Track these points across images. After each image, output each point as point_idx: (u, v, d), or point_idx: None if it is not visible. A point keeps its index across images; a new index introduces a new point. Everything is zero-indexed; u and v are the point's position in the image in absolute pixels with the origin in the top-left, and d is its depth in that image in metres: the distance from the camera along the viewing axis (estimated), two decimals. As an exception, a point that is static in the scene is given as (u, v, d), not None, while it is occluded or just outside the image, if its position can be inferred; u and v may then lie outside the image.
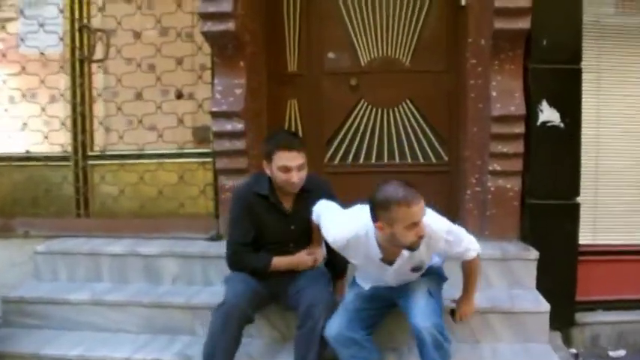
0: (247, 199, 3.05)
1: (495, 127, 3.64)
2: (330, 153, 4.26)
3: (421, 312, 2.73)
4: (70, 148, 4.34)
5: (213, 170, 4.06)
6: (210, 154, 4.04)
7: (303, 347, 2.87)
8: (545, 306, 3.30)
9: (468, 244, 2.80)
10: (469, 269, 2.92)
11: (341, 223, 2.76)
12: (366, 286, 3.00)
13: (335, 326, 2.82)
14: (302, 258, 3.08)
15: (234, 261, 3.07)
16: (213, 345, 2.85)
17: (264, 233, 3.07)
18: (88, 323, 3.59)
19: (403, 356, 3.20)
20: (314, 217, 2.98)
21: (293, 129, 4.21)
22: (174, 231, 4.09)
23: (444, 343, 2.70)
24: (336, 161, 4.25)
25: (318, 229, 2.96)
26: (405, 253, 2.67)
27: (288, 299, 3.07)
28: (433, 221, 2.63)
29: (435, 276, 2.98)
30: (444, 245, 2.71)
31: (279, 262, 3.04)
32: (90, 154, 4.33)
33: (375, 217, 2.56)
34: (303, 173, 2.96)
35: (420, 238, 2.53)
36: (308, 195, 3.04)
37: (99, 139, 4.37)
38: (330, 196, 3.06)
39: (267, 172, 2.99)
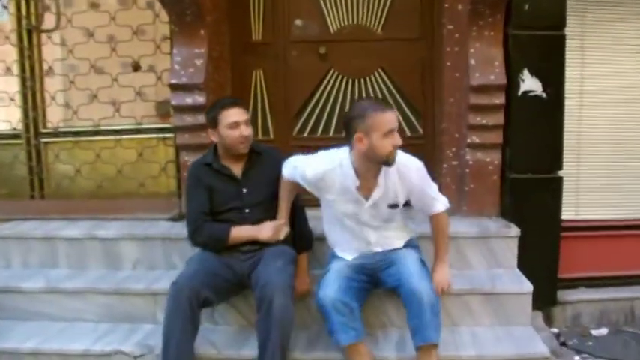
0: (196, 171, 3.04)
1: (474, 98, 3.47)
2: (298, 126, 4.07)
3: (418, 275, 2.69)
4: (20, 126, 4.11)
5: (174, 146, 3.85)
6: (172, 129, 3.82)
7: (263, 332, 2.71)
8: (528, 286, 3.16)
9: (437, 192, 2.87)
10: (438, 227, 2.92)
11: (316, 157, 2.82)
12: (349, 256, 2.91)
13: (332, 290, 2.68)
14: (262, 227, 2.95)
15: (195, 233, 2.98)
16: (169, 327, 2.73)
17: (216, 201, 2.99)
18: (42, 313, 3.37)
19: (379, 343, 3.03)
20: (285, 172, 2.91)
21: (259, 101, 4.03)
22: (135, 212, 3.88)
23: (439, 312, 2.67)
24: (305, 134, 4.07)
25: (286, 197, 2.97)
26: (381, 182, 2.70)
27: (251, 282, 2.91)
28: (404, 155, 2.74)
29: (418, 250, 2.95)
30: (415, 178, 2.74)
31: (239, 231, 2.95)
32: (43, 131, 4.12)
33: (352, 132, 2.61)
34: (251, 130, 2.99)
35: (396, 147, 2.60)
36: (259, 158, 3.04)
37: (52, 116, 4.14)
38: (282, 164, 2.98)
39: (215, 139, 2.98)
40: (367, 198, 2.75)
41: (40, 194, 4.13)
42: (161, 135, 3.98)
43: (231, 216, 2.98)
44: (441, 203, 2.87)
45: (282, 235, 2.96)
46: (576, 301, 3.76)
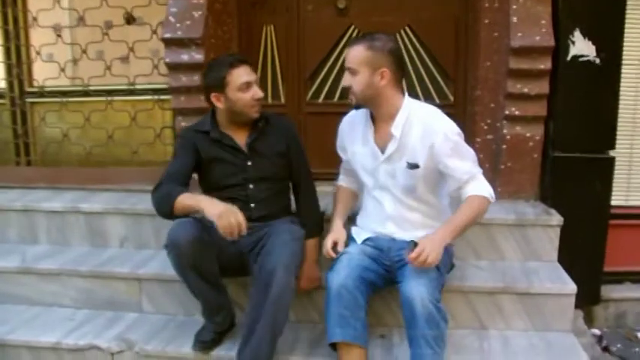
0: (190, 137, 2.63)
1: (514, 62, 3.01)
2: (313, 90, 3.65)
3: (418, 277, 2.22)
4: (3, 84, 3.77)
5: (172, 110, 3.42)
6: (169, 90, 3.37)
7: (254, 310, 2.36)
8: (571, 287, 2.70)
9: (474, 170, 2.39)
10: (467, 204, 2.36)
11: None
12: (363, 235, 2.57)
13: (341, 276, 2.32)
14: (223, 211, 2.26)
15: (154, 190, 2.48)
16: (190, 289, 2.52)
17: (215, 174, 2.62)
18: (16, 295, 3.03)
19: (394, 346, 2.62)
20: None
21: (269, 61, 3.61)
22: (126, 182, 3.53)
23: (439, 321, 2.19)
24: (320, 99, 3.66)
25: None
26: (395, 133, 2.37)
27: (250, 260, 2.57)
28: (438, 113, 2.40)
29: (446, 252, 2.41)
30: (441, 143, 2.32)
31: (185, 198, 2.37)
32: (28, 90, 3.79)
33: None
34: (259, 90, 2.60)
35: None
36: (268, 128, 2.66)
37: (37, 73, 3.77)
38: (295, 137, 2.73)
39: (220, 105, 2.55)
40: (383, 151, 2.44)
41: (26, 160, 3.82)
42: (157, 97, 3.60)
43: (232, 193, 2.57)
44: (478, 185, 2.37)
45: (236, 234, 2.24)
46: (621, 298, 3.33)
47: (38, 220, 3.27)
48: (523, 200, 3.18)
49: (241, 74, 2.50)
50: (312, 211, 2.72)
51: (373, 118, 2.46)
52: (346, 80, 2.37)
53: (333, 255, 2.43)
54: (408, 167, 2.39)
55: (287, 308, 2.39)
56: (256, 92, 2.53)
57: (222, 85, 2.50)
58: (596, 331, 3.23)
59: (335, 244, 2.45)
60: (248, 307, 2.44)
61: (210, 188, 2.60)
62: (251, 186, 2.60)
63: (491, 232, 2.94)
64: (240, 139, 2.60)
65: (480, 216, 2.39)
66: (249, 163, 2.60)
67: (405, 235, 2.47)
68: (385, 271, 2.47)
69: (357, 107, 2.44)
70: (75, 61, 3.71)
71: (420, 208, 2.50)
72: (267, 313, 2.31)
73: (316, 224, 2.71)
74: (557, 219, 2.93)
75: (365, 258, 2.43)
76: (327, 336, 2.33)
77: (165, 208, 2.40)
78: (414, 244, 2.23)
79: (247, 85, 2.51)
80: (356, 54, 2.32)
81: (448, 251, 2.48)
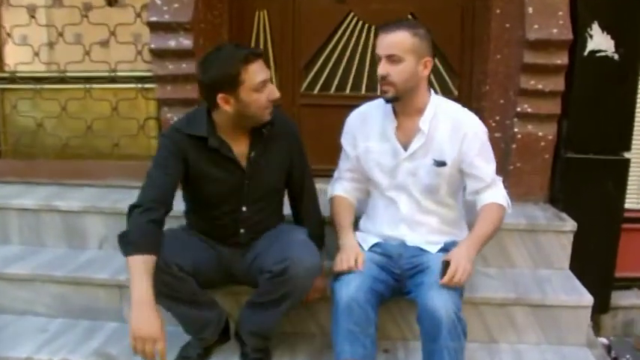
0: (178, 142, 2.17)
1: (529, 56, 2.83)
2: (308, 80, 3.46)
3: (438, 286, 2.05)
4: None
5: (157, 100, 3.20)
6: (154, 78, 3.15)
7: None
8: (588, 298, 2.54)
9: (495, 176, 2.30)
10: (486, 214, 2.25)
11: None
12: (370, 240, 2.36)
13: (351, 289, 2.11)
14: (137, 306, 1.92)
15: (129, 214, 2.07)
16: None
17: (206, 193, 2.24)
18: (-15, 303, 2.78)
19: (400, 363, 2.42)
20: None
21: (262, 48, 3.36)
22: (106, 177, 3.31)
23: (461, 333, 2.03)
24: (316, 91, 3.46)
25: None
26: (424, 127, 2.20)
27: (244, 272, 2.30)
28: (466, 111, 2.30)
29: None
30: (471, 139, 2.21)
31: (135, 266, 1.94)
32: None
33: None
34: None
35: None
36: (272, 134, 2.25)
37: (9, 57, 3.48)
38: (299, 142, 2.40)
39: (228, 108, 2.10)
40: (406, 148, 2.24)
41: None
42: (140, 85, 3.35)
43: (220, 215, 2.27)
44: (498, 192, 2.27)
45: None
46: (630, 306, 3.19)
47: (9, 218, 3.02)
48: (532, 203, 3.02)
49: (257, 71, 2.07)
50: (315, 220, 2.42)
51: (395, 113, 2.26)
52: (384, 69, 2.13)
53: (359, 267, 2.18)
54: (434, 164, 2.23)
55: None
56: (273, 92, 2.14)
57: (234, 85, 2.05)
58: (604, 341, 3.09)
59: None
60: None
61: (194, 202, 2.30)
62: (244, 209, 2.27)
63: (499, 238, 2.74)
64: (240, 148, 2.22)
65: (499, 226, 2.24)
66: (247, 182, 2.24)
67: (417, 239, 2.30)
68: (394, 280, 2.27)
69: (391, 100, 2.20)
70: (50, 45, 3.44)
71: (438, 211, 2.32)
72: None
73: (319, 236, 2.41)
74: (570, 224, 2.77)
75: (374, 267, 2.23)
76: (334, 352, 2.12)
77: (121, 249, 2.01)
78: (446, 263, 2.06)
79: (264, 84, 2.10)
80: (400, 40, 2.11)
81: None
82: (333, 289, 2.16)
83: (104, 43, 3.35)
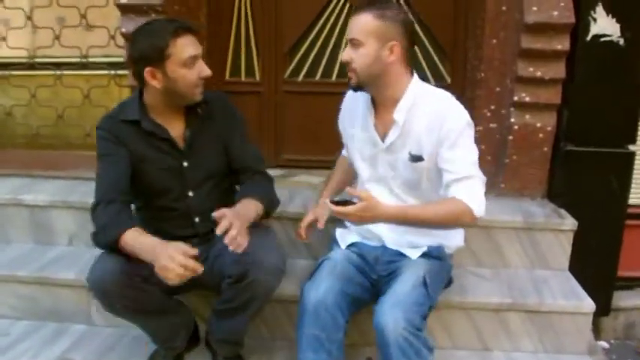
0: (114, 129, 2.08)
1: (527, 41, 2.65)
2: (292, 66, 3.32)
3: (395, 299, 1.90)
4: None
5: (130, 87, 3.02)
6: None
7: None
8: (589, 304, 2.37)
9: (473, 172, 1.98)
10: (443, 203, 1.99)
11: None
12: (348, 238, 2.23)
13: (320, 291, 1.98)
14: (168, 254, 1.78)
15: (93, 214, 1.99)
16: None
17: (145, 179, 2.12)
18: (-57, 303, 2.63)
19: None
20: None
21: (243, 32, 3.24)
22: (77, 168, 3.13)
23: (421, 348, 1.84)
24: (300, 77, 3.32)
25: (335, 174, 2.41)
26: (398, 119, 2.02)
27: (207, 274, 2.04)
28: (450, 100, 2.04)
29: (441, 267, 2.16)
30: (447, 130, 1.96)
31: (129, 238, 1.88)
32: None
33: None
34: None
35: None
36: (208, 113, 2.15)
37: None
38: (237, 118, 2.24)
39: (156, 84, 1.99)
40: (383, 139, 2.08)
41: None
42: (113, 72, 3.24)
43: (167, 204, 2.14)
44: (468, 189, 1.95)
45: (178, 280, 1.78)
46: (631, 307, 3.03)
47: (-27, 212, 2.86)
48: (529, 198, 2.85)
49: (187, 45, 1.96)
50: (264, 189, 2.19)
51: (374, 102, 2.10)
52: (347, 54, 1.97)
53: (304, 237, 2.20)
54: (410, 159, 2.04)
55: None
56: (203, 69, 2.02)
57: (161, 58, 1.95)
58: (604, 344, 2.95)
59: (311, 223, 2.20)
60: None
61: (141, 194, 2.15)
62: (190, 194, 2.15)
63: (493, 235, 2.61)
64: (176, 130, 2.11)
65: (450, 224, 2.03)
66: (186, 164, 2.13)
67: (397, 240, 2.13)
68: (371, 285, 2.12)
69: (356, 89, 2.03)
70: (19, 29, 3.30)
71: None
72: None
73: (266, 197, 2.15)
74: (570, 223, 2.60)
75: (349, 267, 2.08)
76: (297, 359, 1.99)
77: (108, 246, 1.92)
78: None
79: (194, 60, 1.99)
80: (362, 23, 1.93)
81: (443, 266, 2.15)
82: (302, 290, 2.02)
83: (75, 27, 3.21)
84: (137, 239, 1.87)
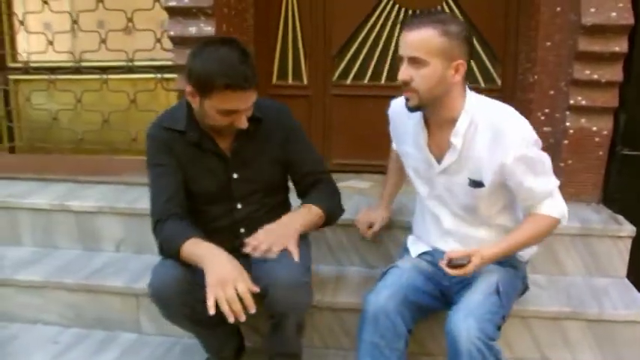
0: (162, 137, 2.04)
1: (584, 43, 2.56)
2: (340, 69, 3.27)
3: (468, 308, 1.84)
4: None
5: (177, 91, 3.04)
6: (174, 68, 3.00)
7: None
8: (652, 313, 2.29)
9: (551, 187, 1.96)
10: (531, 223, 1.97)
11: None
12: (419, 248, 2.18)
13: (381, 298, 1.95)
14: (213, 263, 1.81)
15: (156, 228, 1.99)
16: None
17: (194, 190, 2.08)
18: (-7, 310, 2.64)
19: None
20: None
21: (290, 35, 3.22)
22: (123, 174, 3.15)
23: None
24: (349, 80, 3.28)
25: (389, 176, 2.42)
26: (455, 143, 1.91)
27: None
28: (511, 117, 1.90)
29: (516, 275, 2.09)
30: (515, 159, 1.85)
31: (190, 247, 1.88)
32: (11, 65, 3.45)
33: None
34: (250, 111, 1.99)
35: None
36: (259, 126, 2.06)
37: (22, 46, 3.42)
38: (294, 128, 2.16)
39: (193, 105, 1.95)
40: (439, 160, 1.99)
41: (9, 147, 3.48)
42: (160, 75, 3.24)
43: (214, 215, 2.10)
44: (553, 204, 1.96)
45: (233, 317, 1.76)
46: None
47: (20, 218, 2.87)
48: (584, 204, 2.76)
49: (232, 100, 1.87)
50: (327, 196, 2.15)
51: (426, 120, 1.99)
52: (406, 74, 1.82)
53: (368, 235, 2.35)
54: (469, 185, 1.95)
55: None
56: (240, 122, 1.92)
57: (204, 91, 1.87)
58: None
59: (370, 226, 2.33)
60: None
61: (189, 206, 2.10)
62: (239, 206, 2.10)
63: (548, 242, 2.50)
64: (224, 142, 2.05)
65: (544, 238, 2.02)
66: (235, 176, 2.07)
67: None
68: (441, 293, 2.07)
69: (415, 110, 1.90)
70: (65, 33, 3.33)
71: (490, 222, 2.06)
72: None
73: (329, 206, 2.13)
74: (628, 229, 2.51)
75: (417, 276, 2.03)
76: None
77: (172, 256, 1.92)
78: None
79: (229, 113, 1.90)
80: (425, 40, 1.79)
81: (517, 274, 2.08)
82: (364, 297, 1.99)
83: (121, 31, 3.23)
84: (199, 246, 1.86)
